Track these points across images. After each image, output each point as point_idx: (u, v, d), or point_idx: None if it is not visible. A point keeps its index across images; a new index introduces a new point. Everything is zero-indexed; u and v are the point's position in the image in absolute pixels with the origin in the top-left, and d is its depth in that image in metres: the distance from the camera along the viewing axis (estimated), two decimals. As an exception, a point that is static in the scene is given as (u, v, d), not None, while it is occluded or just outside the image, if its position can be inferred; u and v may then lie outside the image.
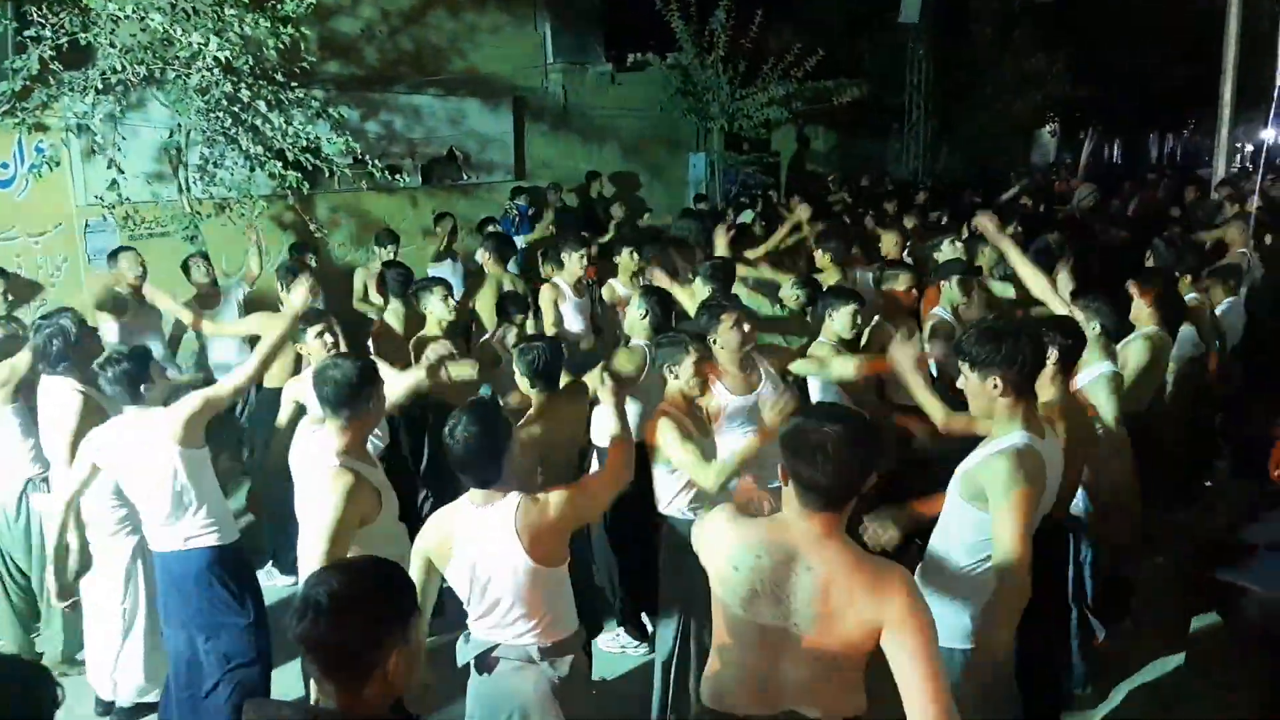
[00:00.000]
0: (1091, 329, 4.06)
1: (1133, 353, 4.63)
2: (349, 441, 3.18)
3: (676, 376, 3.77)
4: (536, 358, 3.95)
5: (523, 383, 4.00)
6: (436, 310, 5.22)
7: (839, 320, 4.77)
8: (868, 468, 2.23)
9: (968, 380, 2.85)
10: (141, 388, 3.63)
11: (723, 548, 2.34)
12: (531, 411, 3.97)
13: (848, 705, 2.33)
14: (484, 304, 6.31)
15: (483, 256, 6.69)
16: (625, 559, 4.67)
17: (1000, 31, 17.63)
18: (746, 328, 4.10)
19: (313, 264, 7.07)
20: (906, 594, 2.18)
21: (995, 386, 2.77)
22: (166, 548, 3.69)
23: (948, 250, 6.64)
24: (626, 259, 6.57)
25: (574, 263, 6.35)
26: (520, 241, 9.29)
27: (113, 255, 6.07)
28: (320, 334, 4.39)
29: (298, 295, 4.16)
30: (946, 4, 16.78)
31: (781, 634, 2.26)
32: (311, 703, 1.81)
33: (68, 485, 3.77)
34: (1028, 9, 17.83)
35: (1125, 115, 23.24)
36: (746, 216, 10.12)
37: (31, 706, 1.77)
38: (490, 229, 8.48)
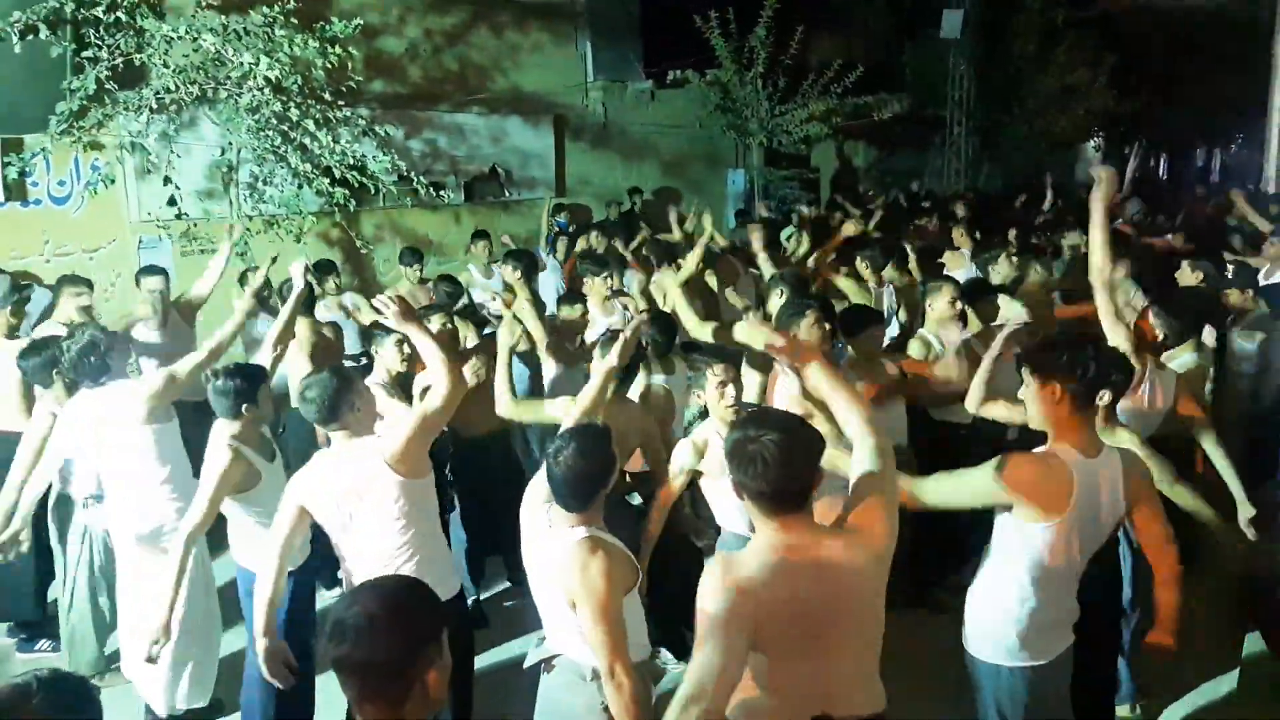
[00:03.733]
0: None
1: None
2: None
3: (701, 398, 3.82)
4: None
5: None
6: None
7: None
8: (811, 467, 2.24)
9: (1028, 387, 2.81)
10: (244, 407, 3.70)
11: (754, 589, 2.21)
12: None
13: (870, 701, 2.38)
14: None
15: (510, 275, 6.75)
16: (665, 574, 4.66)
17: (1042, 45, 17.47)
18: (828, 326, 4.10)
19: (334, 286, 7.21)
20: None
21: (1054, 395, 2.73)
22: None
23: (1003, 266, 6.53)
24: (598, 285, 6.44)
25: (598, 285, 6.40)
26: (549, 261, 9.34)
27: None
28: (400, 343, 4.47)
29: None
30: (988, 18, 16.68)
31: (812, 637, 2.26)
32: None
33: (198, 515, 3.63)
34: (1070, 22, 17.65)
35: (1171, 129, 22.90)
36: (786, 234, 10.07)
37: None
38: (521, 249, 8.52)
